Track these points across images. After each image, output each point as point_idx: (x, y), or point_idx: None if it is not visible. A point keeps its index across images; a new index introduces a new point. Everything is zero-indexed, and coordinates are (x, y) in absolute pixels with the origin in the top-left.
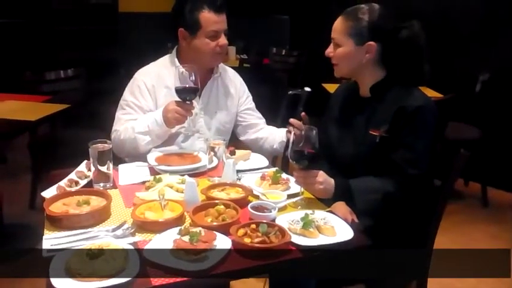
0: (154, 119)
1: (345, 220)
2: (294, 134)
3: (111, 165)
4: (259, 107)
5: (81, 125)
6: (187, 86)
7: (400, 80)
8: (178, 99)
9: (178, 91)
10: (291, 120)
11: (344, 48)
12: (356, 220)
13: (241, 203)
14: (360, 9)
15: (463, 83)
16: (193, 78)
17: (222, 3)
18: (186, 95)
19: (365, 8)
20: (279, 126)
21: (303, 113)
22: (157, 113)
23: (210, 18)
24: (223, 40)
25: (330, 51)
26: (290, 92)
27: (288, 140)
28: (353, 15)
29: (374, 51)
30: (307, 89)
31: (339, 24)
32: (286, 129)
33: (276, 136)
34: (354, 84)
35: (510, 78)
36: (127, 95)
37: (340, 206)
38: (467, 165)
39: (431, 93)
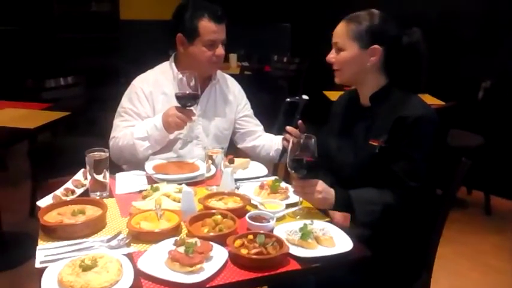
0: (153, 124)
1: (344, 224)
2: (292, 142)
3: (107, 174)
4: (260, 114)
5: (81, 132)
6: (187, 92)
7: (399, 86)
8: (176, 105)
9: (179, 97)
10: (288, 128)
11: (348, 51)
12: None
13: (239, 212)
14: (361, 15)
15: (465, 90)
16: (194, 84)
17: (222, 13)
18: (186, 101)
19: (365, 13)
20: (275, 134)
21: (299, 121)
22: (157, 119)
23: (209, 27)
24: (220, 50)
25: (331, 56)
26: (287, 99)
27: (283, 148)
28: (356, 19)
29: (379, 55)
30: (305, 97)
31: (341, 28)
32: (282, 136)
33: (272, 144)
34: (355, 92)
35: None
36: (125, 102)
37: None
38: (469, 173)
39: (432, 100)
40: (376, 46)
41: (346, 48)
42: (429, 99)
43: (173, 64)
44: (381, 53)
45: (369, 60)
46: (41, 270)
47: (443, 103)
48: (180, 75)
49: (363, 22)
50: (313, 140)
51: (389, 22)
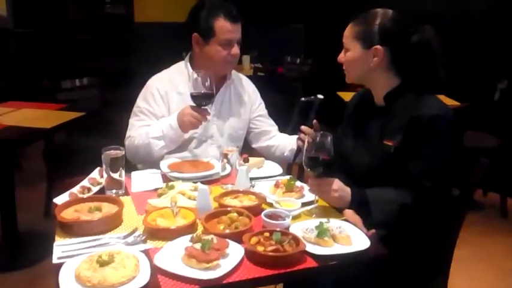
0: (168, 123)
1: (359, 228)
2: (308, 141)
3: (123, 172)
4: (274, 114)
5: (96, 133)
6: (202, 91)
7: (414, 87)
8: (191, 104)
9: (194, 97)
10: (303, 127)
11: (352, 52)
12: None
13: (255, 210)
14: (371, 14)
15: (481, 91)
16: (209, 84)
17: (238, 12)
18: (201, 100)
19: (378, 12)
20: (290, 133)
21: (314, 121)
22: (172, 118)
23: (225, 27)
24: (235, 49)
25: (341, 56)
26: (302, 98)
27: (297, 148)
28: (362, 20)
29: (382, 55)
30: (320, 96)
31: (348, 29)
32: (297, 136)
33: (287, 143)
34: (369, 92)
35: None
36: (140, 101)
37: (350, 213)
38: (485, 175)
39: (448, 101)
40: (378, 46)
41: (351, 49)
42: (444, 100)
43: (188, 64)
44: (384, 53)
45: (372, 61)
46: (58, 266)
47: (458, 104)
48: (195, 75)
49: (370, 22)
50: (329, 138)
51: (397, 21)
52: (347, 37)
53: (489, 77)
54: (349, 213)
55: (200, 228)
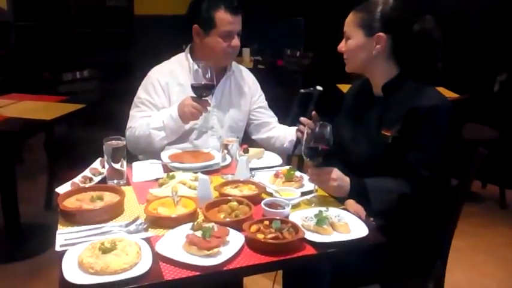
0: (169, 114)
1: (358, 216)
2: (307, 131)
3: (124, 163)
4: (273, 107)
5: (97, 126)
6: (203, 83)
7: (412, 77)
8: (191, 95)
9: (195, 88)
10: (302, 119)
11: (354, 40)
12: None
13: (255, 199)
14: (372, 2)
15: (480, 83)
16: (209, 75)
17: (238, 4)
18: (202, 91)
19: (374, 1)
20: (289, 125)
21: (313, 112)
22: (173, 109)
23: (225, 18)
24: (236, 41)
25: (341, 45)
26: (302, 90)
27: (297, 139)
28: (364, 8)
29: (384, 42)
30: (319, 88)
31: (350, 17)
32: (296, 128)
33: (286, 135)
34: (367, 82)
35: None
36: (141, 92)
37: (352, 203)
38: (484, 167)
39: (447, 93)
40: (380, 34)
41: (353, 37)
42: (443, 92)
43: (189, 55)
44: (386, 40)
45: (375, 48)
46: (61, 254)
47: (457, 95)
48: (196, 66)
49: (372, 10)
50: (328, 128)
51: (398, 10)
52: (349, 25)
53: (488, 69)
54: (351, 202)
55: (201, 217)
